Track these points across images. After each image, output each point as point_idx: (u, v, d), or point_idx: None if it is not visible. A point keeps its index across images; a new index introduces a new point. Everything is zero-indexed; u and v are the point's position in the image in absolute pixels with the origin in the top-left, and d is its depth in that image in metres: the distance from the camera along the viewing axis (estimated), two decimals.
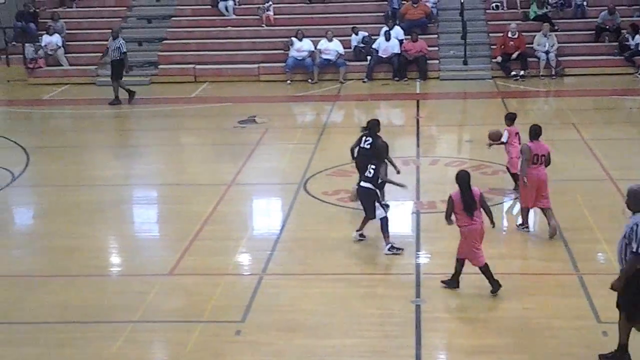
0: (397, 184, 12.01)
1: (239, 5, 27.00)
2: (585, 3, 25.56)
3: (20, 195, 15.24)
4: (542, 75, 23.66)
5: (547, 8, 25.30)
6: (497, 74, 23.86)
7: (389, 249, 11.37)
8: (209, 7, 26.96)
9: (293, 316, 9.74)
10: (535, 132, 11.98)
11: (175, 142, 18.79)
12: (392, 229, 11.59)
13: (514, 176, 13.32)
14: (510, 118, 13.78)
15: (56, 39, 25.03)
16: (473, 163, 15.70)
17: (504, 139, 13.52)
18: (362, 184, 11.69)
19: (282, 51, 24.56)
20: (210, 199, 13.80)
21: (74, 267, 11.40)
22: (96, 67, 23.45)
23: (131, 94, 21.76)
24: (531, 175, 11.81)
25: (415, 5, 25.41)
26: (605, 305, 9.34)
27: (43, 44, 24.98)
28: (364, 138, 12.87)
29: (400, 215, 13.10)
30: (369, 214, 11.57)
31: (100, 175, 16.12)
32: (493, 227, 10.37)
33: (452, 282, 10.26)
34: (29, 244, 12.71)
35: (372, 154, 12.23)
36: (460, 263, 10.20)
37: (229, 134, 18.58)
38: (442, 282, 10.34)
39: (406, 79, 23.92)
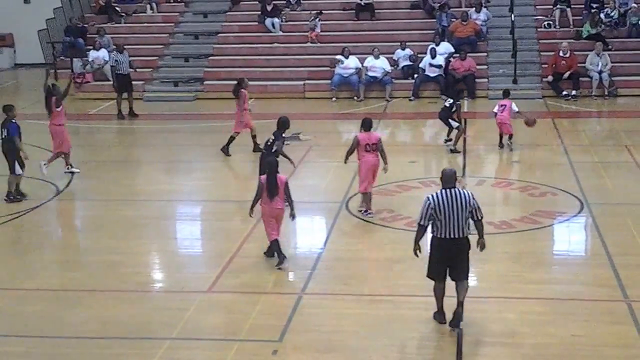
0: (290, 160, 13.93)
1: (286, 22, 27.03)
2: None
3: (64, 209, 15.33)
4: (594, 95, 23.22)
5: (600, 27, 24.81)
6: (548, 93, 23.48)
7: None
8: (256, 23, 27.04)
9: (332, 337, 9.54)
10: (368, 124, 13.45)
11: (218, 158, 18.70)
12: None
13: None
14: (505, 94, 18.31)
15: (102, 54, 25.33)
16: (521, 184, 15.39)
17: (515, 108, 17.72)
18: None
19: (328, 68, 24.49)
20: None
21: (115, 283, 11.35)
22: (143, 82, 23.61)
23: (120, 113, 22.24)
24: (366, 161, 13.31)
25: (464, 23, 25.17)
26: None
27: (90, 59, 25.28)
28: (445, 100, 18.14)
29: None
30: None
31: (144, 190, 16.16)
32: (293, 219, 11.53)
33: (269, 252, 11.58)
34: (70, 258, 12.71)
35: (449, 113, 17.32)
36: (275, 243, 11.44)
37: None
38: (265, 253, 11.67)
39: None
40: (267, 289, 11.01)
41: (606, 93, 23.23)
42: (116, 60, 22.60)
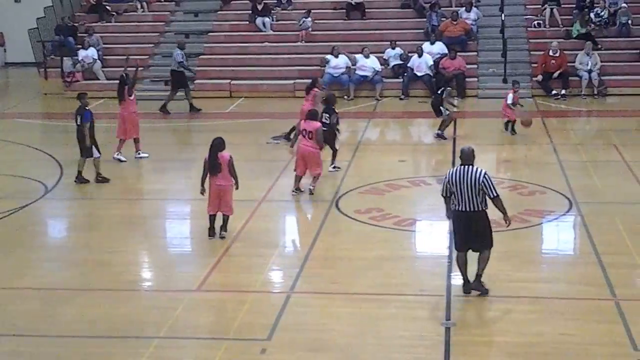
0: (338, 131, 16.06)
1: (277, 21, 27.01)
2: (629, 22, 25.14)
3: (52, 208, 15.28)
4: (583, 95, 23.28)
5: (590, 26, 24.89)
6: (538, 92, 23.54)
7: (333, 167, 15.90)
8: (247, 22, 27.03)
9: (320, 336, 9.54)
10: (312, 115, 14.62)
11: None
12: (426, 248, 11.69)
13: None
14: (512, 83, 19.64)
15: (91, 52, 25.28)
16: (510, 183, 15.42)
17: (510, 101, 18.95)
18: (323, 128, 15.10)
19: (318, 67, 24.48)
20: (241, 214, 13.64)
21: (103, 282, 11.33)
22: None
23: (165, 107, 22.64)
24: (299, 147, 14.60)
25: (454, 22, 25.21)
26: None
27: (80, 58, 25.22)
28: (441, 88, 19.06)
29: (434, 235, 12.87)
30: (334, 148, 15.78)
31: (133, 189, 16.14)
32: (236, 188, 12.45)
33: (211, 230, 12.61)
34: (59, 257, 12.68)
35: (440, 100, 18.37)
36: (211, 217, 12.53)
37: (262, 149, 18.47)
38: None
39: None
40: (256, 287, 11.00)
41: (595, 92, 23.30)
42: (182, 59, 22.79)
